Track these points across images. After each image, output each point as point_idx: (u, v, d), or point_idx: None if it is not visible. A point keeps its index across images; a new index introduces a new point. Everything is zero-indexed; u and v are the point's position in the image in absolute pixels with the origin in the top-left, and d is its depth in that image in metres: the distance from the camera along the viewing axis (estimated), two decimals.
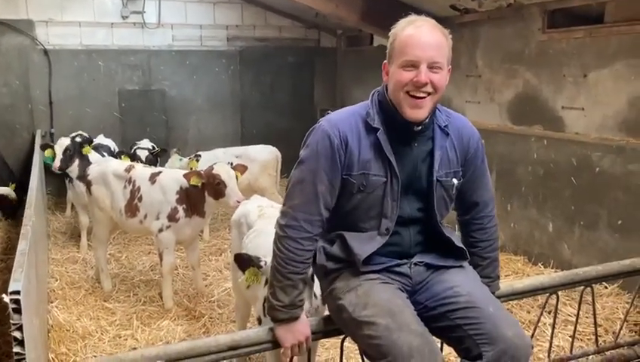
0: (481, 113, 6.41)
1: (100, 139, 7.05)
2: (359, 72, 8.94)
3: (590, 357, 3.04)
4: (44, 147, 6.23)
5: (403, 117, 2.06)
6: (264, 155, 6.73)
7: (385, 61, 2.14)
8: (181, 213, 4.54)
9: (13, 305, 2.17)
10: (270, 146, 6.86)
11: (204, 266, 5.56)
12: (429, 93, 2.03)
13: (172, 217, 4.56)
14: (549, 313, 4.18)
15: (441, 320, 2.09)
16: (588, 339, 4.00)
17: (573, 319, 4.00)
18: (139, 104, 8.70)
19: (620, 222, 4.63)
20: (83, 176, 5.30)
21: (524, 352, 1.96)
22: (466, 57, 6.62)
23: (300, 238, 2.08)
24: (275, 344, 2.20)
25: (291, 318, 2.13)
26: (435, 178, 2.13)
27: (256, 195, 4.13)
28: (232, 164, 6.32)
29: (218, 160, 6.45)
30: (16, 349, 2.20)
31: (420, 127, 2.10)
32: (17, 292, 2.18)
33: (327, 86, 9.87)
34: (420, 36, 2.01)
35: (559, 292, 2.86)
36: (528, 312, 4.44)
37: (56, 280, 5.21)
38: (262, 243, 3.09)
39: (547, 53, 5.55)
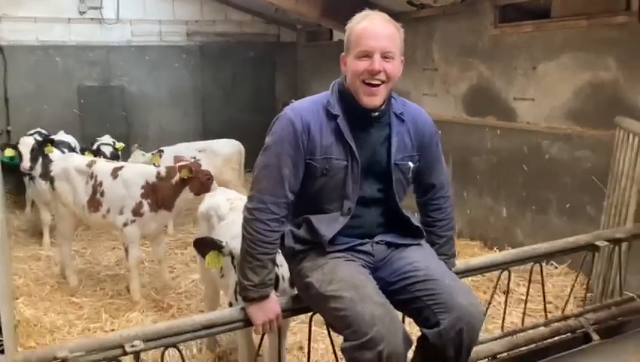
0: (437, 105, 6.64)
1: (61, 136, 7.00)
2: (319, 66, 9.09)
3: (540, 328, 3.24)
4: (3, 146, 6.14)
5: (360, 104, 2.21)
6: (227, 149, 6.81)
7: (343, 53, 2.29)
8: (146, 207, 4.59)
9: None
10: (233, 140, 6.96)
11: (170, 259, 5.62)
12: (382, 82, 2.18)
13: (137, 212, 4.60)
14: (503, 293, 4.45)
15: (402, 293, 2.24)
16: (540, 316, 4.25)
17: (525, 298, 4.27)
18: (98, 100, 8.66)
19: (567, 205, 4.92)
20: (46, 173, 5.29)
21: (477, 319, 2.13)
22: (422, 51, 6.84)
23: (268, 220, 2.20)
24: (247, 322, 2.31)
25: (262, 297, 2.25)
26: (392, 161, 2.29)
27: (223, 188, 4.22)
28: (195, 158, 6.45)
29: (181, 154, 6.53)
30: None
31: (377, 113, 2.25)
32: None
33: (288, 80, 9.99)
34: (373, 28, 2.17)
35: (512, 274, 3.07)
36: (484, 293, 4.67)
37: (20, 277, 5.20)
38: (238, 232, 3.18)
39: (499, 47, 5.81)
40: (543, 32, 5.32)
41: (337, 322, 2.12)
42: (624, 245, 3.66)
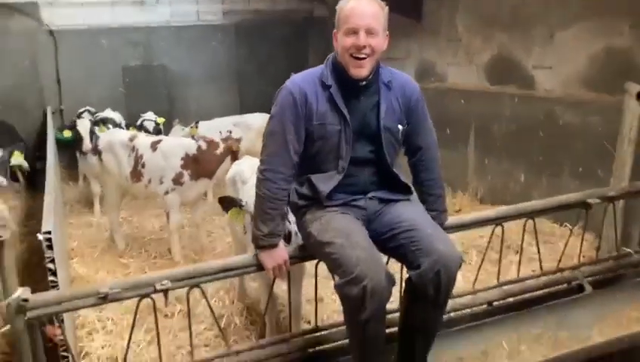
0: (461, 75, 6.84)
1: (107, 113, 7.52)
2: None
3: (534, 280, 3.53)
4: (61, 128, 6.70)
5: (349, 75, 2.53)
6: (260, 122, 7.18)
7: (334, 30, 2.60)
8: (186, 177, 5.04)
9: (47, 243, 2.69)
10: (265, 114, 7.30)
11: (208, 224, 6.09)
12: (368, 55, 2.49)
13: (177, 181, 5.05)
14: (516, 252, 4.72)
15: (391, 241, 2.59)
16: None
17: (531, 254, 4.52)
18: (141, 79, 9.15)
19: (580, 169, 5.10)
20: (95, 148, 5.81)
21: (453, 262, 2.44)
22: (446, 23, 7.01)
23: (277, 179, 2.58)
24: (259, 267, 2.71)
25: (271, 245, 2.64)
26: (382, 125, 2.61)
27: (247, 156, 4.61)
28: (230, 131, 6.89)
29: (217, 127, 6.99)
30: (50, 278, 2.73)
31: (364, 83, 2.57)
32: (49, 232, 2.70)
33: (321, 55, 10.19)
34: (359, 8, 2.48)
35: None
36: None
37: (75, 241, 5.77)
38: None
39: (518, 17, 5.95)
40: (559, 1, 5.44)
41: (331, 264, 2.49)
42: (620, 202, 3.88)
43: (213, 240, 5.79)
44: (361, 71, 2.52)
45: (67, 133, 6.45)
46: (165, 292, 2.55)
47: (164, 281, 2.54)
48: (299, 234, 3.27)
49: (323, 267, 2.72)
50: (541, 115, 5.51)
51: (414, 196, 2.79)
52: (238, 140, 5.21)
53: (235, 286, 4.44)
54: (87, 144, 6.30)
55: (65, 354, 2.78)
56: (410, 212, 2.64)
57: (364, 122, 2.62)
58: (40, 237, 2.68)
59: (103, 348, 3.82)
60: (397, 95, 2.67)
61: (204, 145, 5.06)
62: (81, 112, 7.91)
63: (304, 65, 9.98)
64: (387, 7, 2.57)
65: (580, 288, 3.55)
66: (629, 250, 3.82)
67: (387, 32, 2.58)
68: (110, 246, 5.72)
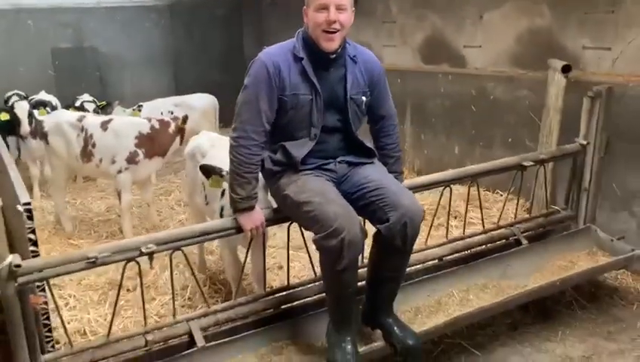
0: (396, 55, 7.18)
1: (42, 96, 7.33)
2: (285, 22, 9.46)
3: (478, 237, 3.91)
4: (0, 111, 6.46)
5: (321, 48, 2.75)
6: (203, 103, 7.26)
7: (304, 7, 2.80)
8: (141, 155, 5.08)
9: (27, 213, 2.74)
10: (208, 94, 7.39)
11: (156, 205, 6.13)
12: (337, 30, 2.71)
13: (131, 160, 5.08)
14: (454, 217, 5.13)
15: (360, 200, 2.83)
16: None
17: (472, 219, 4.95)
18: (72, 62, 8.95)
19: (510, 140, 5.57)
20: (36, 131, 5.70)
21: (417, 214, 2.72)
22: (382, 5, 7.32)
23: (250, 145, 2.76)
24: (238, 230, 2.89)
25: (249, 208, 2.83)
26: (348, 96, 2.85)
27: (205, 131, 4.73)
28: (172, 112, 6.91)
29: (159, 109, 7.00)
30: (31, 248, 2.79)
31: (334, 56, 2.79)
32: (28, 203, 2.75)
33: (256, 37, 10.36)
34: None
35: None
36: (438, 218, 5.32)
37: None
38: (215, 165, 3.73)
39: None
40: None
41: (309, 221, 2.71)
42: (549, 165, 4.33)
43: (163, 218, 5.85)
44: (331, 44, 2.73)
45: (4, 116, 6.25)
46: (150, 254, 2.68)
47: (150, 245, 2.67)
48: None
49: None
50: (473, 91, 5.94)
51: (377, 160, 3.06)
52: (185, 119, 5.27)
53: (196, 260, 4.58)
54: (25, 127, 6.13)
55: (47, 321, 2.85)
56: (375, 173, 2.90)
57: (332, 93, 2.84)
58: (20, 208, 2.73)
59: (69, 322, 3.85)
60: (361, 69, 2.91)
61: (157, 124, 5.11)
62: (9, 96, 7.64)
63: (240, 46, 10.19)
64: None
65: (518, 242, 3.96)
66: (556, 207, 4.28)
67: (354, 8, 2.80)
68: (57, 229, 5.65)
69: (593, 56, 4.80)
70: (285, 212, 2.95)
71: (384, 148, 3.12)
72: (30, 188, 6.73)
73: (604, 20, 4.67)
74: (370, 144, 3.03)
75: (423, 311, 3.34)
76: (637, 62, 4.44)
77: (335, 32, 2.71)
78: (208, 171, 3.31)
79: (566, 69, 4.56)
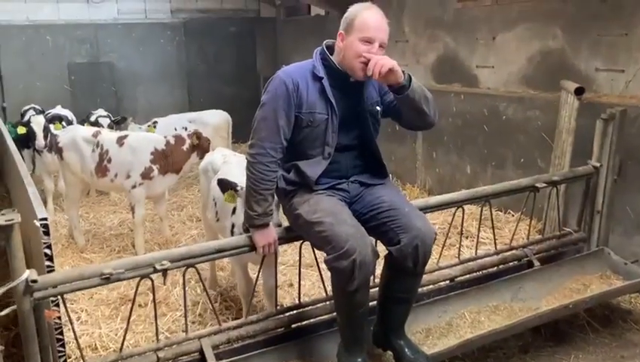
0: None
1: (58, 110, 7.43)
2: (298, 40, 9.57)
3: (490, 258, 3.90)
4: (15, 124, 6.58)
5: (353, 76, 2.76)
6: (216, 119, 7.33)
7: (341, 30, 2.80)
8: (155, 171, 5.14)
9: (43, 229, 2.78)
10: (222, 111, 7.47)
11: (168, 220, 6.17)
12: None
13: (146, 175, 5.13)
14: (465, 237, 5.11)
15: (372, 221, 2.85)
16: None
17: (483, 239, 4.93)
18: (88, 76, 9.08)
19: (522, 160, 5.56)
20: (51, 145, 5.78)
21: (429, 237, 2.74)
22: (394, 24, 7.35)
23: (268, 162, 2.78)
24: (251, 247, 2.91)
25: (264, 225, 2.85)
26: (367, 110, 2.88)
27: (220, 147, 4.78)
28: (186, 128, 6.99)
29: (172, 125, 7.08)
30: (47, 263, 2.82)
31: (354, 80, 2.82)
32: (45, 218, 2.79)
33: (269, 54, 10.46)
34: (377, 20, 2.72)
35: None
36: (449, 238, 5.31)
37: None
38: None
39: (462, 20, 6.38)
40: (500, 5, 5.90)
41: (321, 242, 2.72)
42: (562, 187, 4.33)
43: (175, 233, 5.89)
44: (365, 74, 2.74)
45: (21, 130, 6.35)
46: (164, 272, 2.71)
47: (164, 261, 2.70)
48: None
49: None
50: (485, 111, 5.95)
51: (389, 179, 3.07)
52: (198, 135, 5.31)
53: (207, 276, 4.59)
54: (40, 140, 6.21)
55: (59, 336, 2.88)
56: (388, 194, 2.92)
57: (348, 112, 2.87)
58: (37, 223, 2.77)
59: (80, 337, 3.87)
60: (372, 82, 2.94)
61: (172, 140, 5.17)
62: (26, 110, 7.76)
63: (253, 63, 10.30)
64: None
65: (530, 264, 3.94)
66: (568, 229, 4.27)
67: None
68: (70, 243, 5.70)
69: (606, 78, 4.81)
70: (297, 231, 2.96)
71: None
72: (44, 202, 6.80)
73: (617, 43, 4.69)
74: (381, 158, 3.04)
75: (434, 332, 3.33)
76: None
77: None
78: (225, 186, 3.34)
79: (579, 92, 4.56)
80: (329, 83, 2.82)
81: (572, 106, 4.51)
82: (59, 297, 2.69)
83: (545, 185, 3.86)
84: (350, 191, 2.93)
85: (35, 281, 2.43)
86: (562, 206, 4.35)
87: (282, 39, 10.43)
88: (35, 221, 2.79)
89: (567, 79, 4.95)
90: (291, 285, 4.49)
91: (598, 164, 4.03)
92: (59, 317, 2.82)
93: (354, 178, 2.95)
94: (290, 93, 2.77)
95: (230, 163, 4.01)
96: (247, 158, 2.85)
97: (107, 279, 2.59)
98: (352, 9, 2.80)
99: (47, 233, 2.79)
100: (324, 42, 2.90)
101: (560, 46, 5.27)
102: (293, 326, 3.23)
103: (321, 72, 2.83)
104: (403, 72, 2.73)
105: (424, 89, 2.87)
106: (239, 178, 3.63)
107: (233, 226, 3.55)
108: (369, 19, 2.73)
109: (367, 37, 2.70)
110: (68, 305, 4.16)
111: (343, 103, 2.85)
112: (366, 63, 2.68)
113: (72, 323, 2.78)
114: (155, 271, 2.69)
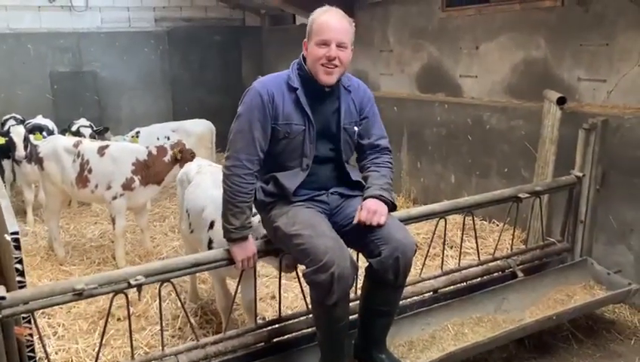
0: (393, 84, 7.22)
1: (39, 120, 7.32)
2: (283, 49, 9.53)
3: (473, 269, 3.86)
4: None
5: (318, 81, 2.74)
6: (200, 128, 7.27)
7: (305, 39, 2.81)
8: (137, 182, 5.06)
9: (14, 243, 2.70)
10: (205, 120, 7.40)
11: (150, 231, 6.07)
12: (337, 66, 2.71)
13: (127, 186, 5.05)
14: (450, 246, 5.08)
15: (352, 233, 2.80)
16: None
17: (467, 249, 4.91)
18: (71, 85, 8.96)
19: (506, 169, 5.55)
20: (32, 156, 5.67)
21: (410, 249, 2.70)
22: (379, 34, 7.38)
23: (244, 174, 2.73)
24: (229, 261, 2.85)
25: (242, 238, 2.79)
26: (342, 126, 2.83)
27: (197, 158, 4.72)
28: (168, 137, 6.92)
29: (155, 134, 7.00)
30: (18, 278, 2.74)
31: (329, 89, 2.79)
32: (16, 233, 2.71)
33: (254, 63, 10.42)
34: (332, 22, 2.71)
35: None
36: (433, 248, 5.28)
37: None
38: (200, 194, 3.70)
39: (446, 29, 6.38)
40: (483, 15, 5.91)
41: (299, 254, 2.67)
42: (545, 197, 4.31)
43: (157, 245, 5.80)
44: (330, 78, 2.73)
45: (0, 140, 6.23)
46: (139, 287, 2.64)
47: (138, 276, 2.63)
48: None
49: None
50: (469, 120, 5.94)
51: None
52: (181, 147, 5.24)
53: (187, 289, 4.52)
54: (20, 151, 6.10)
55: (31, 354, 2.79)
56: None
57: (325, 123, 2.84)
58: (7, 237, 2.69)
59: (56, 353, 3.79)
60: (353, 98, 2.91)
61: (154, 151, 5.10)
62: (6, 119, 7.63)
63: (238, 73, 10.24)
64: (354, 24, 2.81)
65: (513, 275, 3.92)
66: (552, 239, 4.25)
67: (353, 47, 2.81)
68: (49, 254, 5.59)
69: (588, 87, 4.82)
70: (276, 243, 2.91)
71: (370, 169, 2.98)
72: (24, 213, 6.69)
73: (599, 53, 4.70)
74: (358, 176, 2.99)
75: (417, 345, 3.28)
76: (632, 94, 4.46)
77: (334, 68, 2.71)
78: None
79: (561, 101, 4.56)
80: (304, 93, 2.78)
81: (555, 116, 4.51)
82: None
83: (528, 195, 3.85)
84: (330, 203, 2.88)
85: (3, 298, 2.35)
86: (545, 216, 4.33)
87: (267, 48, 10.40)
88: (5, 235, 2.71)
89: (550, 89, 4.96)
90: (273, 297, 4.42)
91: (580, 174, 4.02)
92: (30, 334, 2.74)
93: (333, 189, 2.91)
94: (265, 104, 2.73)
95: (204, 173, 3.96)
96: (223, 171, 2.80)
97: (79, 295, 2.51)
98: (311, 15, 2.80)
99: (18, 248, 2.71)
100: (302, 53, 2.86)
101: (543, 55, 5.27)
102: (273, 340, 3.16)
103: (296, 83, 2.79)
104: (392, 202, 2.82)
105: (390, 180, 2.94)
106: (210, 189, 3.58)
107: (210, 241, 3.44)
108: (324, 22, 2.72)
109: (322, 39, 2.70)
110: (45, 320, 4.14)
111: (320, 115, 2.81)
112: (326, 66, 2.69)
113: (42, 342, 2.68)
114: (130, 286, 2.62)
